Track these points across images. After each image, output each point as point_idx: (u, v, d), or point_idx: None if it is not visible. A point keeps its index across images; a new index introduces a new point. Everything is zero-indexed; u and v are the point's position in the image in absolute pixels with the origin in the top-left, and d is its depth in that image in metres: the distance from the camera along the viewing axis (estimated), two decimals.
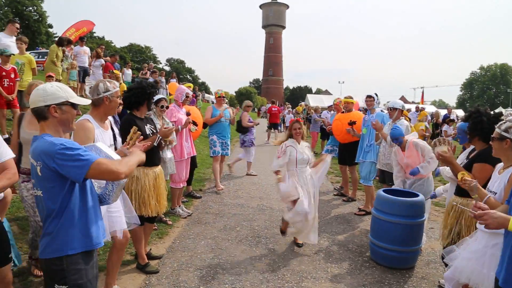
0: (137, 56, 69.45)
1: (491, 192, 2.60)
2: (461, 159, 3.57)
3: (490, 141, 2.69)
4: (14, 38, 7.45)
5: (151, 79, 16.77)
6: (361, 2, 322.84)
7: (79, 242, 2.08)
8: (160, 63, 76.96)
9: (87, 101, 2.40)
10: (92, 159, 1.98)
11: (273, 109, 17.58)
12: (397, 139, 4.87)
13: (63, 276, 2.04)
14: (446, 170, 3.80)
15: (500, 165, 2.72)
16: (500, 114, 3.43)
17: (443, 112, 19.21)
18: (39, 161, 2.00)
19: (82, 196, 2.12)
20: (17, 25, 7.58)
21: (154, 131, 3.98)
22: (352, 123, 6.68)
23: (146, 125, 3.87)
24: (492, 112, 3.43)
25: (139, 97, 3.81)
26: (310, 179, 4.71)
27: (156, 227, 5.07)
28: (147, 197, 3.82)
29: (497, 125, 2.66)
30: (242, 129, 9.04)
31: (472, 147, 3.57)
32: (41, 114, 2.12)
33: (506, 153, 2.59)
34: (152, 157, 3.90)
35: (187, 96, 5.95)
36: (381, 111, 6.64)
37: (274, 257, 4.52)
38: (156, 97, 4.52)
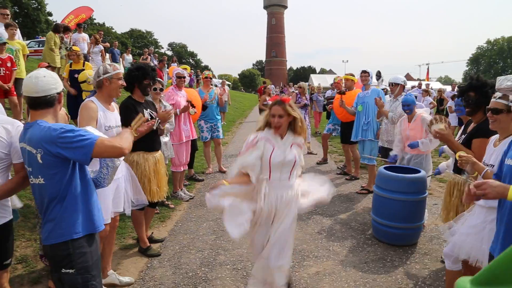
0: (139, 41, 68.98)
1: (487, 165, 2.53)
2: (459, 136, 3.48)
3: (493, 114, 2.56)
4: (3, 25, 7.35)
5: (153, 64, 16.70)
6: None
7: (82, 226, 2.12)
8: (162, 47, 76.44)
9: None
10: (95, 137, 2.02)
11: (263, 89, 18.58)
12: (409, 105, 4.74)
13: (70, 260, 2.07)
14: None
15: (494, 137, 2.64)
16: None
17: (448, 88, 18.99)
18: (40, 148, 2.00)
19: (83, 180, 2.15)
20: (4, 11, 7.44)
21: (154, 115, 3.94)
22: (341, 93, 6.63)
23: (146, 109, 3.82)
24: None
25: (128, 80, 3.73)
26: (289, 203, 2.84)
27: (158, 211, 5.09)
28: (147, 182, 3.81)
29: (499, 96, 2.54)
30: None
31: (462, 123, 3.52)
32: (50, 101, 2.14)
33: (509, 124, 2.51)
34: (152, 142, 3.88)
35: (178, 77, 5.78)
36: (384, 89, 6.52)
37: None
38: None
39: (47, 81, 2.12)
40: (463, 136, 3.26)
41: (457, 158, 2.70)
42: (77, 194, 2.10)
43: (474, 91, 3.15)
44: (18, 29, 7.40)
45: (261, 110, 10.30)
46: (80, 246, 2.09)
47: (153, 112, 3.93)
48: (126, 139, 2.19)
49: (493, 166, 2.50)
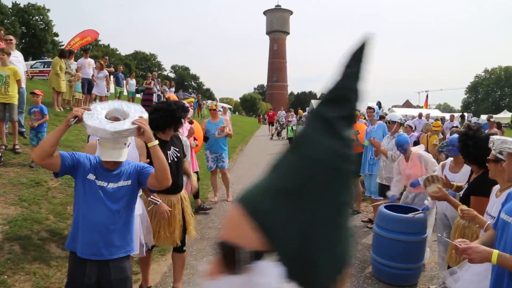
0: (142, 63, 70.07)
1: (490, 216, 2.56)
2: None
3: (486, 164, 2.64)
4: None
5: (156, 89, 16.89)
6: (362, 7, 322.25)
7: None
8: (165, 70, 77.55)
9: None
10: None
11: (269, 113, 29.20)
12: (402, 145, 4.82)
13: None
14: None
15: (497, 187, 2.69)
16: (488, 136, 2.93)
17: (448, 116, 19.07)
18: None
19: None
20: (8, 36, 7.38)
21: (178, 154, 3.71)
22: (356, 134, 6.69)
23: (170, 149, 3.63)
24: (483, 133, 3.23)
25: (168, 120, 3.55)
26: None
27: None
28: (155, 225, 3.56)
29: (492, 146, 2.59)
30: None
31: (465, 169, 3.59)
32: None
33: (502, 175, 2.56)
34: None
35: None
36: (385, 115, 6.54)
37: None
38: None
39: None
40: (464, 189, 3.28)
41: (459, 212, 2.75)
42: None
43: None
44: (16, 52, 7.22)
45: None
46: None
47: (177, 151, 3.71)
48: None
49: (495, 217, 2.53)
